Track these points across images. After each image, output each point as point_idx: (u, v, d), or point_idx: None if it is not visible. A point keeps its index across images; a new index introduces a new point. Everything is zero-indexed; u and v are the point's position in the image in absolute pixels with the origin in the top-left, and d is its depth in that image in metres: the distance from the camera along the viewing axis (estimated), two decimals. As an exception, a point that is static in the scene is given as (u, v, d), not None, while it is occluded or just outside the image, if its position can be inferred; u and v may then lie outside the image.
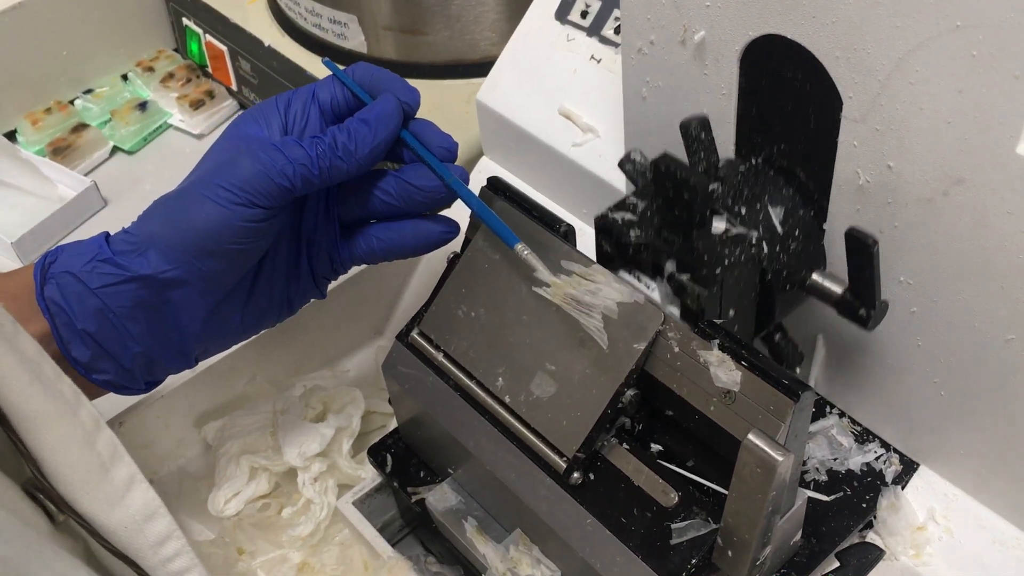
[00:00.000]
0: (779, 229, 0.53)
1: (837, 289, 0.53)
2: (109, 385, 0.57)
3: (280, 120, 0.58)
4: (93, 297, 0.53)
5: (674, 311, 0.52)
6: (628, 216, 0.53)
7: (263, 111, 0.58)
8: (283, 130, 0.58)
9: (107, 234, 0.56)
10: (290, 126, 0.58)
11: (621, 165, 0.58)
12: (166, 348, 0.57)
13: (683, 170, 0.49)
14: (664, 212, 0.52)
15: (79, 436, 0.46)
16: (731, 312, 0.52)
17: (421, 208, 0.59)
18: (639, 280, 0.53)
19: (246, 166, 0.53)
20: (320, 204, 0.60)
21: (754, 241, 0.52)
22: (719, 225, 0.52)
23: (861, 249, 0.49)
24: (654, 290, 0.53)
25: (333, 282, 0.75)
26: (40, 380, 0.46)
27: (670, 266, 0.51)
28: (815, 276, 0.54)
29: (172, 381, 0.69)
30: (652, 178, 0.51)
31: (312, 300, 0.74)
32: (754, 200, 0.54)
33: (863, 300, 0.52)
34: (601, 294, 0.52)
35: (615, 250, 0.54)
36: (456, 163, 0.88)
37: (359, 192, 0.59)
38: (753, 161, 0.57)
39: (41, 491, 0.45)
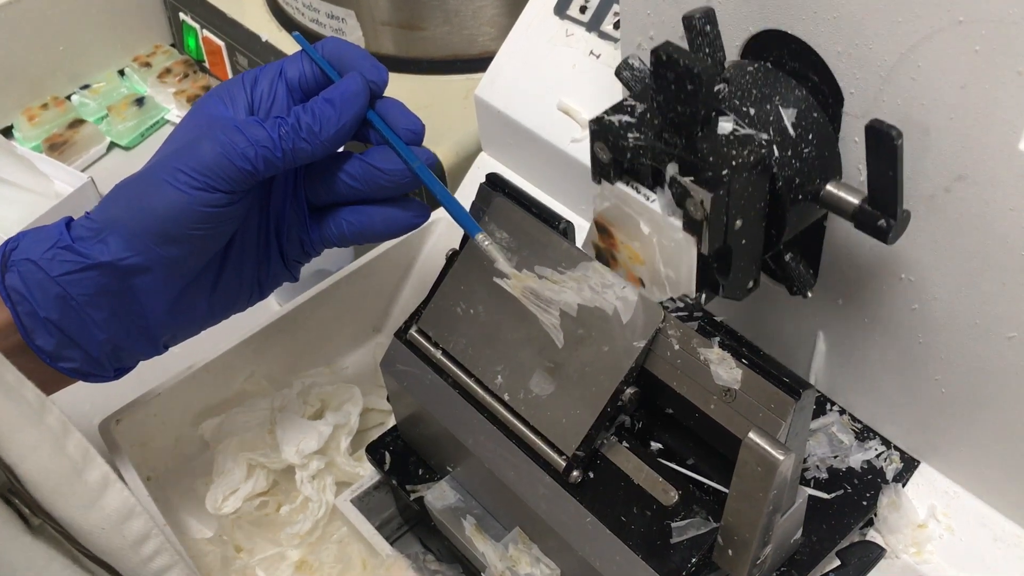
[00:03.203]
0: (791, 131, 0.49)
1: (854, 200, 0.48)
2: (76, 373, 0.55)
3: (246, 98, 0.56)
4: (54, 285, 0.52)
5: (676, 223, 0.49)
6: (626, 118, 0.49)
7: (229, 89, 0.57)
8: (249, 109, 0.56)
9: (69, 219, 0.54)
10: (256, 104, 0.56)
11: (618, 72, 0.54)
12: (132, 335, 0.56)
13: (687, 58, 0.44)
14: (665, 110, 0.47)
15: (48, 441, 0.46)
16: (738, 223, 0.48)
17: (386, 192, 0.57)
18: (637, 191, 0.50)
19: (206, 149, 0.52)
20: (288, 186, 0.59)
21: (764, 143, 0.48)
22: (726, 125, 0.48)
23: (884, 144, 0.44)
24: (654, 201, 0.50)
25: (330, 277, 0.76)
26: (2, 387, 0.45)
27: (671, 169, 0.47)
28: (830, 186, 0.50)
29: (169, 378, 0.69)
30: (652, 70, 0.46)
31: (310, 296, 0.74)
32: (764, 101, 0.50)
33: (884, 208, 0.47)
34: (563, 295, 0.51)
35: (612, 156, 0.50)
36: (453, 159, 0.89)
37: (326, 174, 0.57)
38: (763, 62, 0.53)
39: (16, 496, 0.45)
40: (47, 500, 0.46)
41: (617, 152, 0.50)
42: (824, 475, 0.60)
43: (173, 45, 1.23)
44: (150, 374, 0.65)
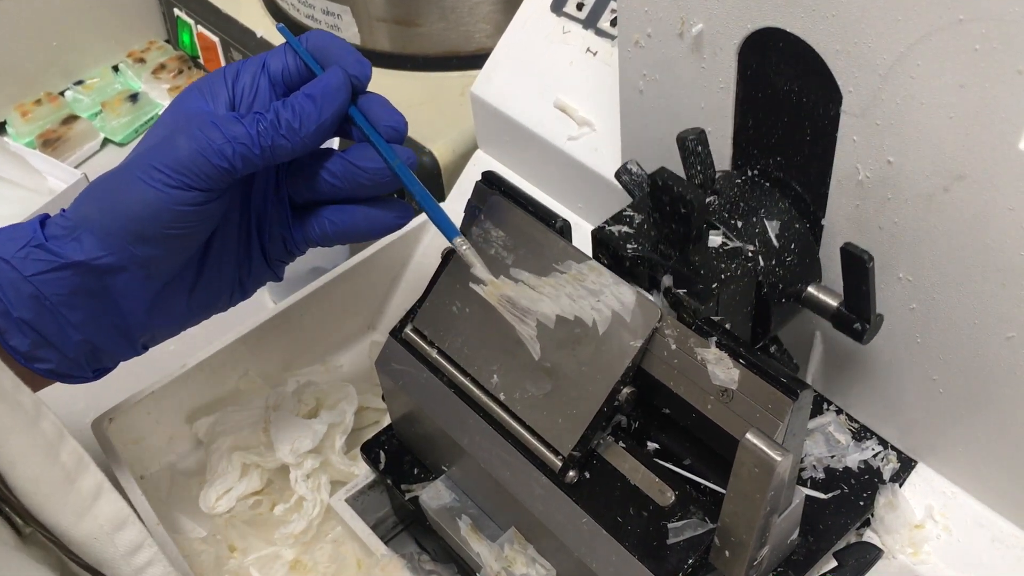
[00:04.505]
0: (775, 243, 0.54)
1: (832, 302, 0.54)
2: (53, 374, 0.54)
3: (227, 93, 0.55)
4: (28, 284, 0.51)
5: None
6: (625, 229, 0.53)
7: (209, 83, 0.55)
8: (229, 104, 0.55)
9: (45, 216, 0.53)
10: (238, 99, 0.55)
11: (618, 176, 0.58)
12: (109, 335, 0.54)
13: (680, 185, 0.49)
14: (661, 226, 0.52)
15: (41, 447, 0.45)
16: (727, 326, 0.52)
17: (367, 191, 0.56)
18: None
19: (182, 145, 0.50)
20: (269, 184, 0.57)
21: (750, 255, 0.53)
22: (716, 239, 0.53)
23: (857, 265, 0.50)
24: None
25: (325, 275, 0.75)
26: None
27: (667, 280, 0.51)
28: (811, 289, 0.55)
29: (162, 376, 0.69)
30: (649, 192, 0.51)
31: (304, 295, 0.74)
32: (750, 213, 0.54)
33: (858, 314, 0.52)
34: (540, 305, 0.52)
35: (612, 262, 0.53)
36: (449, 157, 0.89)
37: (307, 172, 0.56)
38: (750, 173, 0.57)
39: (6, 503, 0.44)
40: (37, 508, 0.45)
41: (617, 260, 0.53)
42: (821, 475, 0.59)
43: (168, 41, 1.22)
44: (143, 372, 0.65)
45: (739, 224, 0.54)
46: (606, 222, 0.54)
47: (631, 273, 0.53)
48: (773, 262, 0.53)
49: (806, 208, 0.55)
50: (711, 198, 0.54)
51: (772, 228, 0.54)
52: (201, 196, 0.51)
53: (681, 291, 0.50)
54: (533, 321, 0.52)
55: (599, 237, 0.54)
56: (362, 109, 0.55)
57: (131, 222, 0.51)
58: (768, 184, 0.56)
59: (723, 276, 0.51)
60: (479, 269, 0.53)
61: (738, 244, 0.53)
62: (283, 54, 0.56)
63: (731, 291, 0.51)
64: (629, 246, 0.53)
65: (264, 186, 0.57)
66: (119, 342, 0.55)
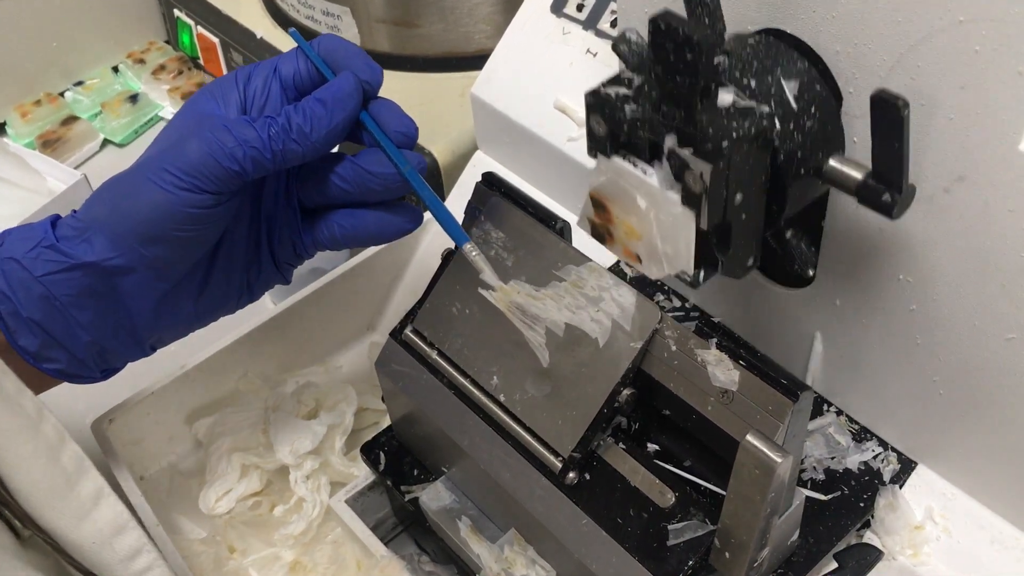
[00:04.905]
0: (793, 105, 0.47)
1: (857, 174, 0.46)
2: (61, 374, 0.54)
3: (239, 96, 0.55)
4: (38, 285, 0.51)
5: (674, 197, 0.46)
6: (623, 91, 0.47)
7: (221, 86, 0.55)
8: (241, 107, 0.55)
9: (56, 217, 0.53)
10: (249, 102, 0.55)
11: (615, 46, 0.51)
12: (117, 336, 0.55)
13: (686, 26, 0.42)
14: (664, 81, 0.45)
15: (43, 451, 0.45)
16: (738, 197, 0.46)
17: (377, 196, 0.56)
18: (635, 165, 0.48)
19: (193, 148, 0.50)
20: (280, 187, 0.58)
21: (765, 115, 0.46)
22: (726, 97, 0.46)
23: (889, 115, 0.42)
24: (652, 175, 0.47)
25: (325, 275, 0.75)
26: (0, 395, 0.45)
27: (670, 141, 0.45)
28: (832, 160, 0.48)
29: (162, 377, 0.69)
30: (650, 40, 0.44)
31: (304, 295, 0.74)
32: (765, 73, 0.48)
33: (888, 182, 0.45)
34: (549, 312, 0.51)
35: (608, 129, 0.48)
36: (449, 157, 0.89)
37: (317, 176, 0.56)
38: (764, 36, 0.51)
39: (5, 506, 0.44)
40: (37, 512, 0.45)
41: (614, 125, 0.48)
42: (821, 476, 0.59)
43: (167, 42, 1.22)
44: (143, 373, 0.65)
45: (752, 83, 0.47)
46: (602, 84, 0.48)
47: (629, 143, 0.48)
48: (791, 125, 0.47)
49: (827, 72, 0.49)
50: (721, 58, 0.47)
51: (790, 88, 0.47)
52: (211, 199, 0.51)
53: (687, 150, 0.44)
54: (542, 328, 0.52)
55: (594, 100, 0.47)
56: (373, 114, 0.55)
57: (141, 224, 0.51)
58: (784, 45, 0.49)
59: (735, 135, 0.44)
60: (489, 275, 0.53)
61: (751, 104, 0.46)
62: (295, 59, 0.56)
63: (743, 152, 0.45)
64: (628, 107, 0.46)
65: (274, 190, 0.58)
66: (127, 343, 0.56)
